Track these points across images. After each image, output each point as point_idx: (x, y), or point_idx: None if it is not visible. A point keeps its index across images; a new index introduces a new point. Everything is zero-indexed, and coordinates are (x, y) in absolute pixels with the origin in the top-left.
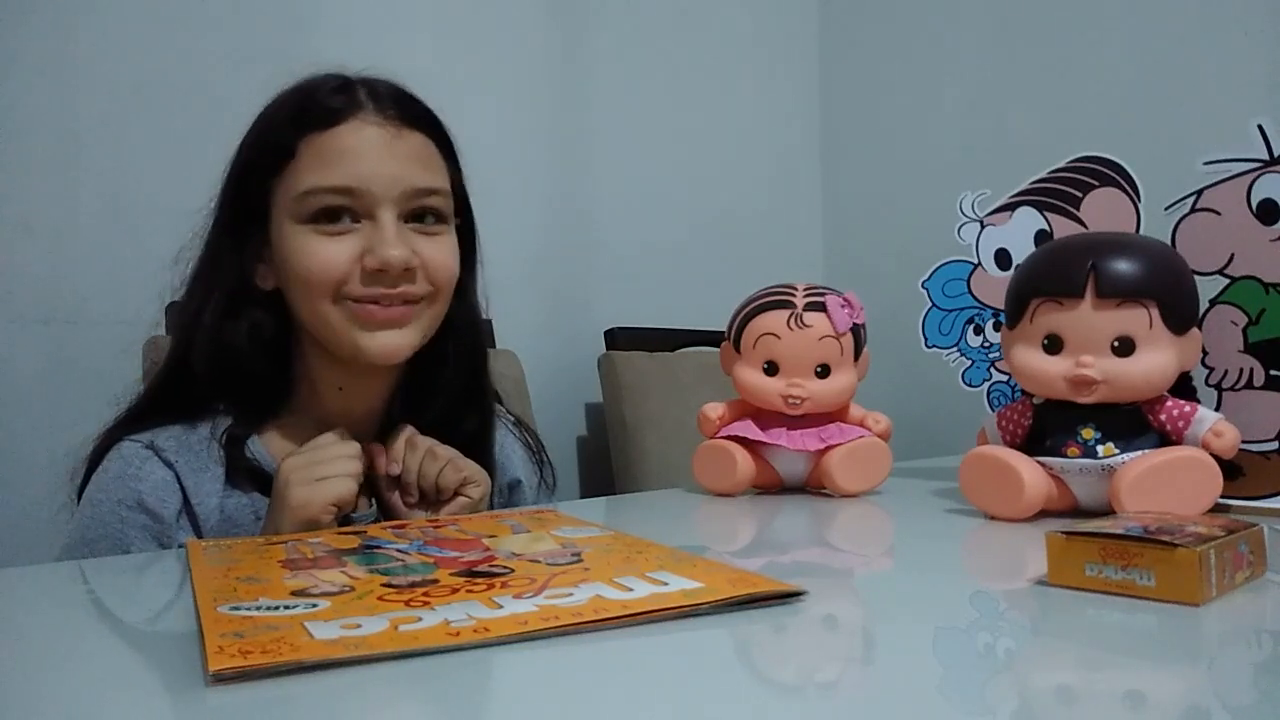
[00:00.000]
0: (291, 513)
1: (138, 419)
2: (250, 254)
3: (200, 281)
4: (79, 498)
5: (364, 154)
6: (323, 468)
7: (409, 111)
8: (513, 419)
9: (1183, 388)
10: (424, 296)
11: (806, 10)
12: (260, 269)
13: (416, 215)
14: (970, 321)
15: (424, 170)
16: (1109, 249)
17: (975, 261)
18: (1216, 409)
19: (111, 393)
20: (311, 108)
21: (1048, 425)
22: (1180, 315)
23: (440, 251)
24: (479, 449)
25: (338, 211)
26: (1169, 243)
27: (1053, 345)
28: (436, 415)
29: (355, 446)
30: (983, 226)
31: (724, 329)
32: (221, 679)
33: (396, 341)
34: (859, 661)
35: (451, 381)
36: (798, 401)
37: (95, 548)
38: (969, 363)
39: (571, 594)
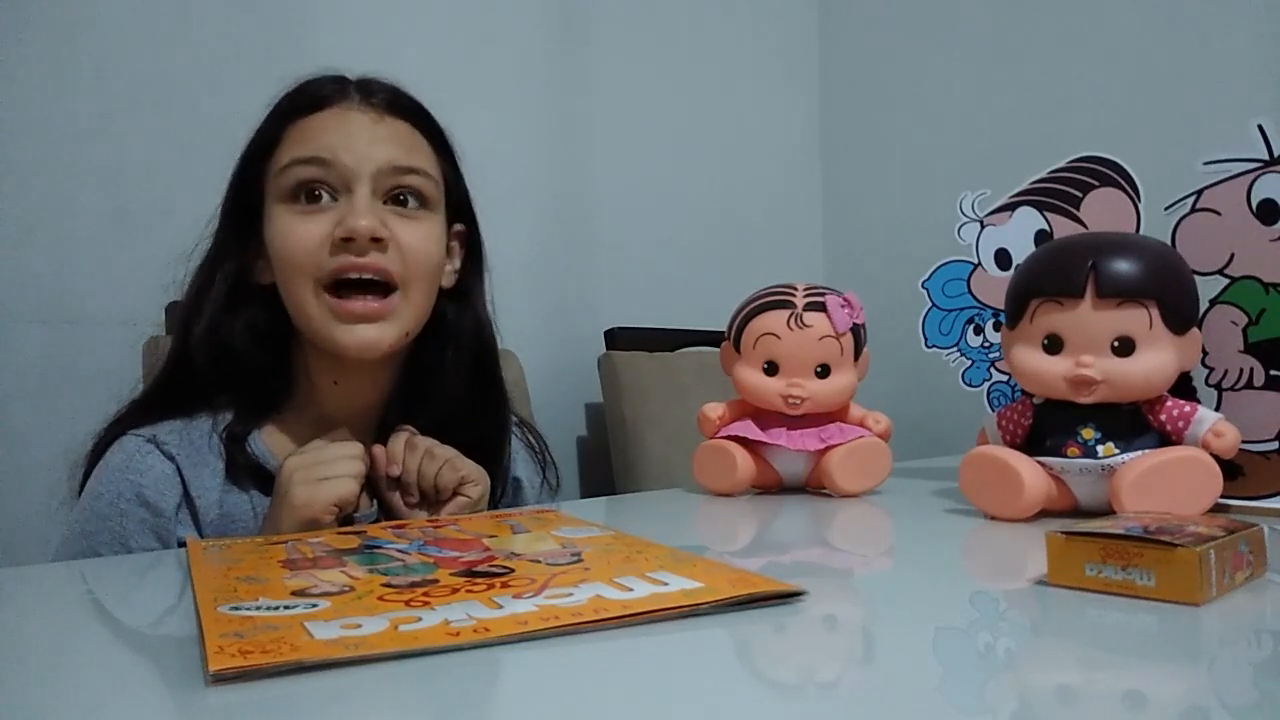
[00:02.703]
0: (293, 511)
1: (140, 413)
2: (251, 250)
3: (202, 276)
4: (80, 492)
5: (342, 130)
6: (325, 467)
7: (396, 103)
8: (516, 420)
9: (1183, 388)
10: (397, 279)
11: (806, 10)
12: (260, 265)
13: (397, 199)
14: (970, 321)
15: (403, 150)
16: (1109, 249)
17: (975, 261)
18: (1216, 409)
19: (112, 393)
20: (299, 97)
21: (1048, 425)
22: (1180, 315)
23: (416, 235)
24: (492, 455)
25: (315, 189)
26: (1169, 243)
27: (1053, 345)
28: (439, 418)
29: (358, 447)
30: (983, 226)
31: (724, 329)
32: (221, 679)
33: (372, 335)
34: (859, 661)
35: (452, 385)
36: (798, 401)
37: (94, 540)
38: (969, 363)
39: (571, 594)
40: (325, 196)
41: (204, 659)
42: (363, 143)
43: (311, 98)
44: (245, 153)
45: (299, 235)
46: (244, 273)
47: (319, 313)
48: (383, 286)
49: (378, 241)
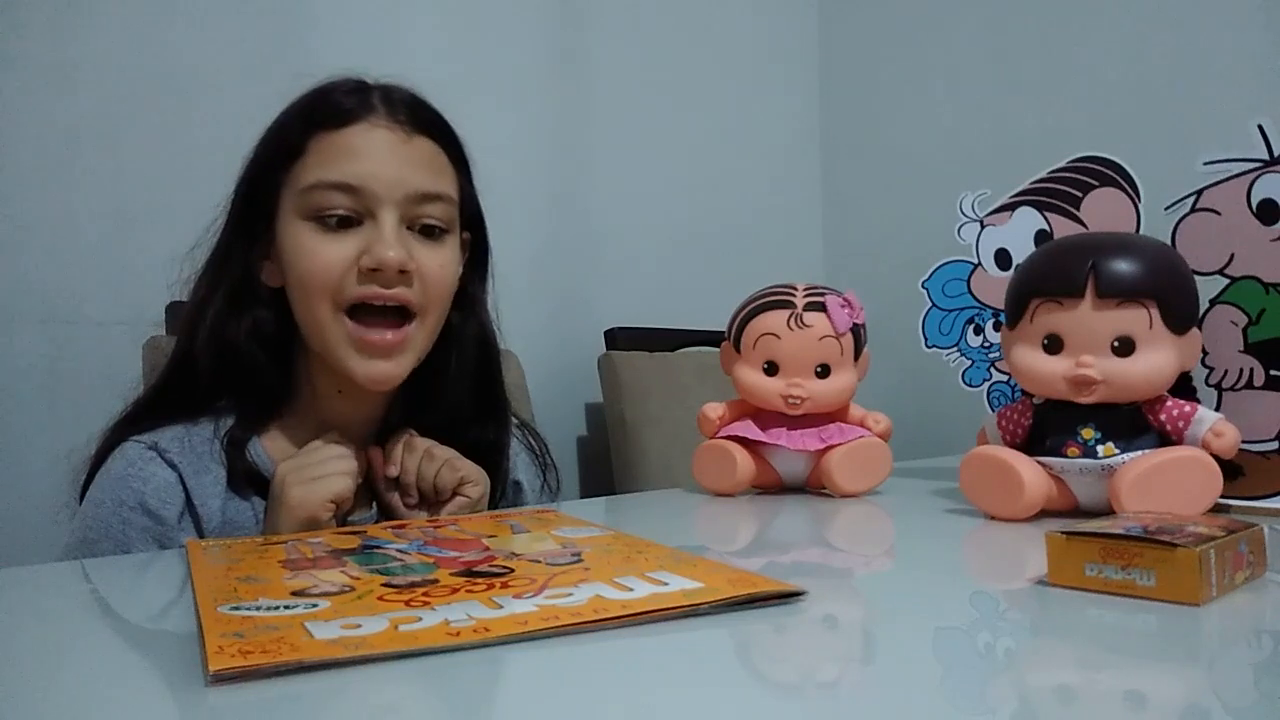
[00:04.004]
0: (289, 512)
1: (142, 416)
2: (258, 251)
3: (208, 276)
4: (82, 497)
5: (370, 154)
6: (317, 468)
7: (421, 118)
8: (517, 422)
9: (1183, 388)
10: (417, 307)
11: (806, 11)
12: (267, 266)
13: (422, 226)
14: (970, 321)
15: (430, 175)
16: (1109, 249)
17: (975, 261)
18: (1216, 409)
19: (111, 393)
20: (323, 107)
21: (1048, 425)
22: (1180, 315)
23: (438, 262)
24: (493, 459)
25: (339, 209)
26: (1169, 243)
27: (1053, 345)
28: (441, 422)
29: (350, 447)
30: (983, 226)
31: (724, 329)
32: (221, 679)
33: (386, 371)
34: (859, 661)
35: (455, 390)
36: (798, 401)
37: (96, 548)
38: (969, 363)
39: (571, 594)
40: (349, 217)
41: (204, 659)
42: (391, 168)
43: (336, 110)
44: (261, 157)
45: (323, 259)
46: (250, 274)
47: (336, 337)
48: (402, 311)
49: (404, 274)
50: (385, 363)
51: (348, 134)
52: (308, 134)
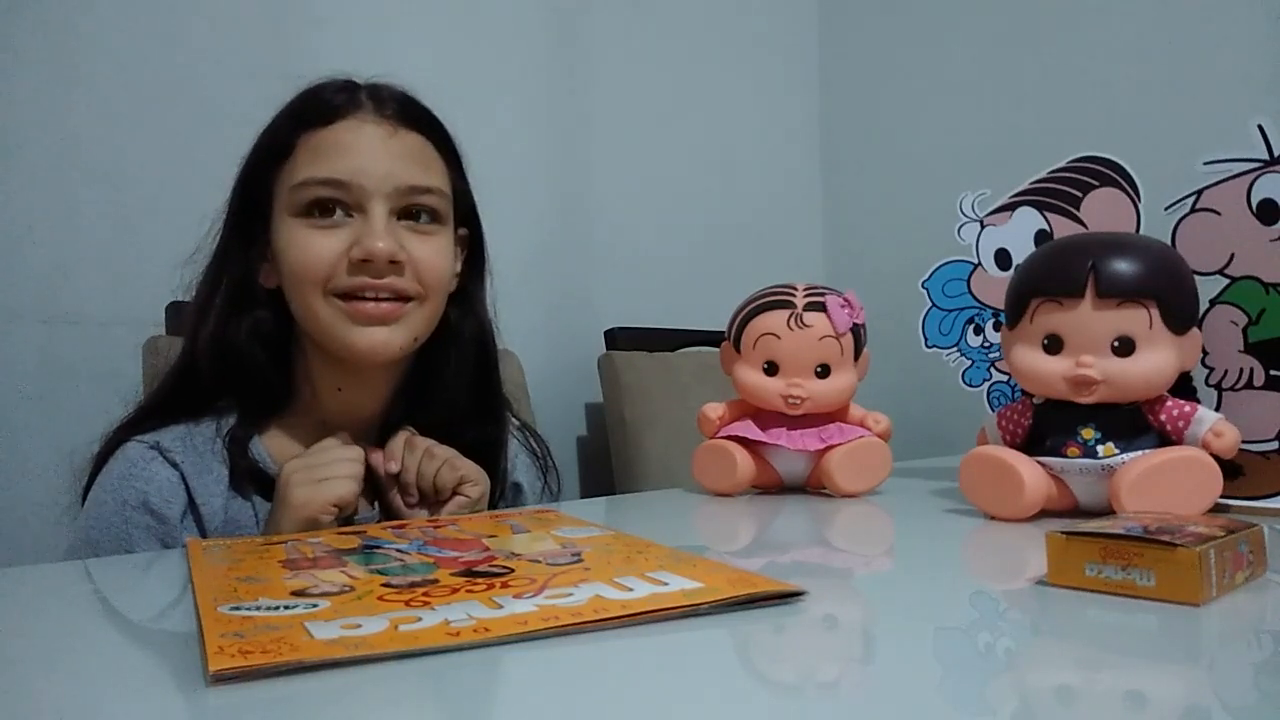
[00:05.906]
0: (293, 511)
1: (145, 418)
2: (256, 252)
3: (208, 279)
4: (84, 498)
5: (358, 149)
6: (325, 469)
7: (409, 113)
8: (518, 424)
9: (1183, 388)
10: (413, 295)
11: (807, 11)
12: (265, 268)
13: (410, 213)
14: (970, 321)
15: (419, 169)
16: (1109, 249)
17: (975, 261)
18: (1216, 409)
19: (112, 393)
20: (311, 106)
21: (1048, 425)
22: (1180, 315)
23: (430, 251)
24: (490, 458)
25: (330, 205)
26: (1169, 243)
27: (1053, 345)
28: (439, 421)
29: (357, 450)
30: (983, 226)
31: (724, 329)
32: (222, 679)
33: (384, 338)
34: (859, 661)
35: (453, 389)
36: (798, 401)
37: (100, 548)
38: (969, 363)
39: (571, 594)
40: (339, 212)
41: (204, 659)
42: (379, 162)
43: (324, 107)
44: (253, 159)
45: (315, 251)
46: (249, 275)
47: (330, 315)
48: (396, 298)
49: (394, 264)
50: (382, 329)
51: (335, 130)
52: (296, 133)
